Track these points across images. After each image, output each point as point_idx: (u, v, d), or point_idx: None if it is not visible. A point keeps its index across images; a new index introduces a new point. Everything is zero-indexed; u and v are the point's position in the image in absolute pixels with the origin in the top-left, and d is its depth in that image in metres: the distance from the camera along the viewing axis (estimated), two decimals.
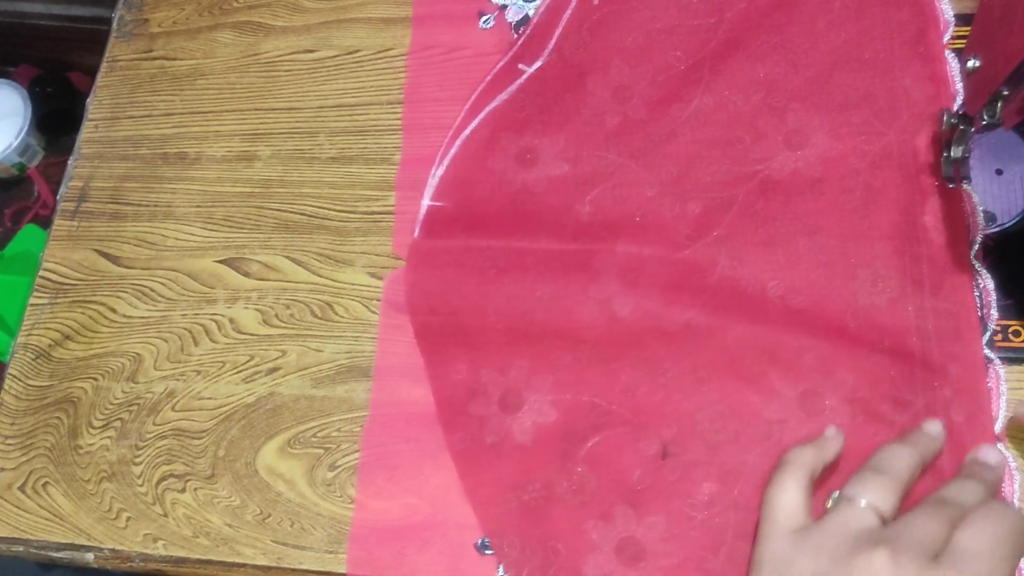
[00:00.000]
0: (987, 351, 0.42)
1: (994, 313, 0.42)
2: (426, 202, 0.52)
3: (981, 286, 0.43)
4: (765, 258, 0.46)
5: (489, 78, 0.54)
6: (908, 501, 0.38)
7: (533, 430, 0.45)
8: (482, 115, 0.53)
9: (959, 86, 0.46)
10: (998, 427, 0.40)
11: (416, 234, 0.51)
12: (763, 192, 0.47)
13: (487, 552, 0.44)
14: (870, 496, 0.36)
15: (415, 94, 0.55)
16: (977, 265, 0.43)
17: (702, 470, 0.43)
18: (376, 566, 0.45)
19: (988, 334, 0.42)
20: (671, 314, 0.46)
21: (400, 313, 0.50)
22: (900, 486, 0.37)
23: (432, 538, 0.45)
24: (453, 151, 0.53)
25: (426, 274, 0.50)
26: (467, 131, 0.53)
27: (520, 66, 0.54)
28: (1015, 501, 0.40)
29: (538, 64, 0.54)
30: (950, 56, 0.47)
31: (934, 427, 0.40)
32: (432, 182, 0.52)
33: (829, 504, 0.38)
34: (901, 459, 0.38)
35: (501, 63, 0.54)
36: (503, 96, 0.53)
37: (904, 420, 0.42)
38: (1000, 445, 0.40)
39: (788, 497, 0.38)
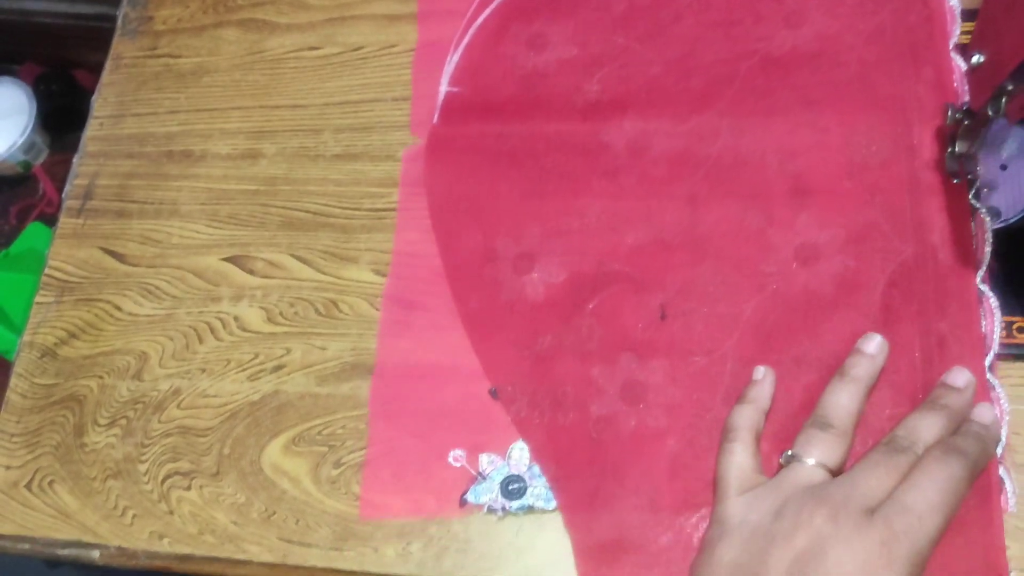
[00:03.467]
0: (972, 201, 0.44)
1: (981, 169, 0.44)
2: (443, 88, 0.55)
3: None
4: (765, 127, 0.49)
5: None
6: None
7: (544, 289, 0.49)
8: (494, 4, 0.56)
9: None
10: (980, 272, 0.43)
11: (435, 119, 0.54)
12: (763, 68, 0.50)
13: (497, 398, 0.46)
14: (817, 454, 0.39)
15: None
16: None
17: (702, 320, 0.46)
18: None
19: (976, 188, 0.44)
20: (675, 182, 0.49)
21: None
22: (845, 438, 0.40)
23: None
24: (467, 40, 0.55)
25: (444, 158, 0.53)
26: (480, 20, 0.56)
27: None
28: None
29: None
30: None
31: (871, 344, 0.43)
32: (448, 68, 0.55)
33: (782, 461, 0.40)
34: (843, 407, 0.41)
35: None
36: None
37: (893, 267, 0.44)
38: (983, 286, 0.42)
39: (737, 462, 0.41)
